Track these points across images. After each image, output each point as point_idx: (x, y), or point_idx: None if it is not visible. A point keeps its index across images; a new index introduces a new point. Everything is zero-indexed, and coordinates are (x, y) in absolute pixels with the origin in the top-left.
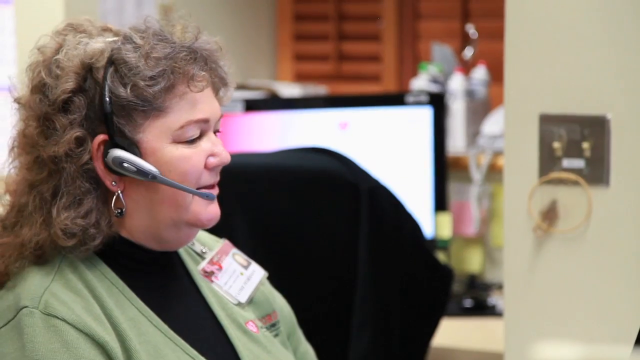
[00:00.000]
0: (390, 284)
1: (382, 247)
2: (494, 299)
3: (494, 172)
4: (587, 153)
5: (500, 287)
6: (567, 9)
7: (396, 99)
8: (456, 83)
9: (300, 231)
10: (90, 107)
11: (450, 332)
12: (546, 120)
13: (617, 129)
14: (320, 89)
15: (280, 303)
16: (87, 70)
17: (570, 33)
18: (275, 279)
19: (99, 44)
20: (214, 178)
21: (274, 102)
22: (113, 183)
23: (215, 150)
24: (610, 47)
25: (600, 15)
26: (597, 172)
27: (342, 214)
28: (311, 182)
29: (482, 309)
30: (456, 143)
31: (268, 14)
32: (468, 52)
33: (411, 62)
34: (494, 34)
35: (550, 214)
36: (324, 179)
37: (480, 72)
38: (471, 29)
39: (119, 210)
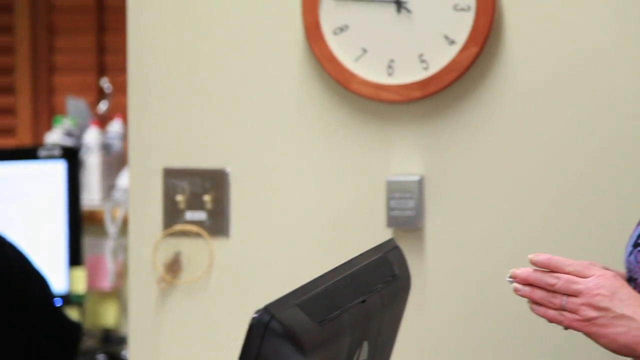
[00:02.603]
0: (16, 342)
1: (8, 305)
2: (128, 353)
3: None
4: (209, 205)
5: None
6: (186, 67)
7: (29, 152)
8: (91, 137)
9: None
10: None
11: None
12: (169, 174)
13: (236, 181)
14: None
15: None
16: None
17: (192, 88)
18: None
19: None
20: None
21: None
22: None
23: None
24: (230, 103)
25: (234, 74)
26: (218, 223)
27: None
28: None
29: None
30: (92, 197)
31: None
32: (103, 106)
33: (47, 116)
34: None
35: (174, 266)
36: None
37: (116, 126)
38: (106, 83)
39: None
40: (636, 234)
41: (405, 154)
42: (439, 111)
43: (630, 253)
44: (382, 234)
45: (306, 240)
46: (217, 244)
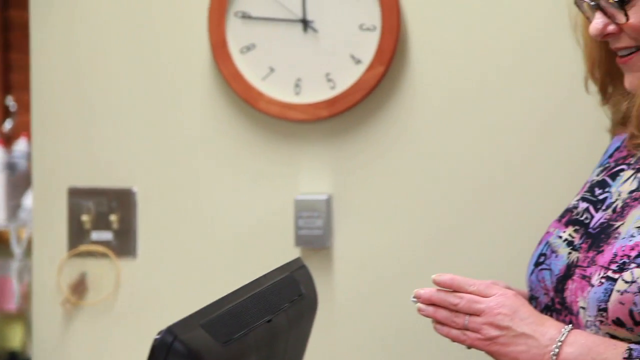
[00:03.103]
0: None
1: None
2: None
3: None
4: (115, 225)
5: None
6: (91, 85)
7: None
8: None
9: None
10: None
11: None
12: (75, 194)
13: (143, 201)
14: None
15: None
16: None
17: (97, 106)
18: None
19: None
20: None
21: None
22: None
23: None
24: (136, 122)
25: (140, 92)
26: (125, 244)
27: None
28: None
29: None
30: None
31: None
32: (8, 125)
33: None
34: None
35: (79, 287)
36: None
37: (21, 145)
38: (11, 102)
39: None
40: (537, 252)
41: (313, 172)
42: (346, 130)
43: (532, 272)
44: (290, 253)
45: (214, 259)
46: (124, 265)
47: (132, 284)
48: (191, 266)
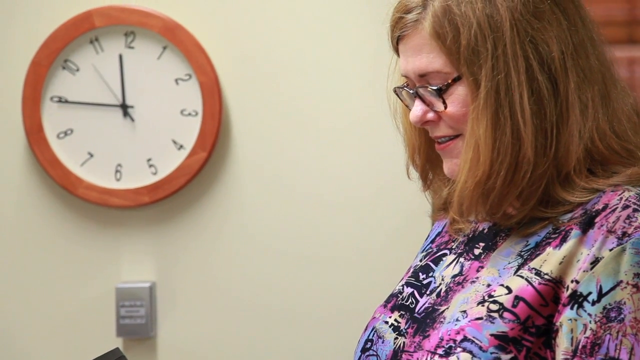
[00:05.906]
0: None
1: None
2: None
3: None
4: None
5: None
6: None
7: None
8: None
9: None
10: None
11: None
12: None
13: None
14: None
15: None
16: None
17: None
18: None
19: None
20: None
21: None
22: None
23: None
24: None
25: None
26: None
27: None
28: None
29: None
30: None
31: None
32: None
33: None
34: None
35: None
36: None
37: None
38: None
39: None
40: (364, 338)
41: (135, 260)
42: (169, 216)
43: (359, 358)
44: (112, 344)
45: (30, 352)
46: None
47: None
48: (7, 357)
